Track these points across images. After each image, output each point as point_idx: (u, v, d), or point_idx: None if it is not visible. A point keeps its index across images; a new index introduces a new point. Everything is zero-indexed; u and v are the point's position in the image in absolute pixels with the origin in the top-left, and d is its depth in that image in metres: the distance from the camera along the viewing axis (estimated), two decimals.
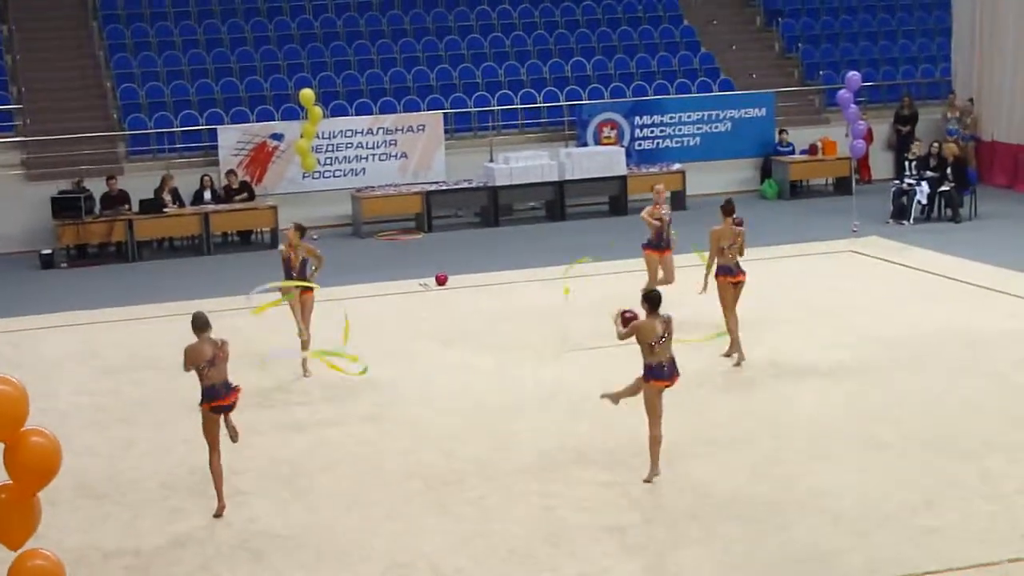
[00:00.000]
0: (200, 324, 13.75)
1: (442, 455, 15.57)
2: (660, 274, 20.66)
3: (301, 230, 19.23)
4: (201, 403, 13.70)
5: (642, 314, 14.13)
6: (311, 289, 19.13)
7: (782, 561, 12.49)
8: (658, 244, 20.71)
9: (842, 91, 27.14)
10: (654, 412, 14.09)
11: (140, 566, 12.86)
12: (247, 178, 28.40)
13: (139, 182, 27.97)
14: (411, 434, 16.33)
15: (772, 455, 14.48)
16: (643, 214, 20.79)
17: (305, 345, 18.84)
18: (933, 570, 12.07)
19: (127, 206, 27.41)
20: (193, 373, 13.69)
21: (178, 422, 16.56)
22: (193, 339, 13.72)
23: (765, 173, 31.67)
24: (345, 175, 29.38)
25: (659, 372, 13.95)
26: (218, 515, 13.71)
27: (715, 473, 14.44)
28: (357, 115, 30.02)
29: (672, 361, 14.06)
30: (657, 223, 20.56)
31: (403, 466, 15.27)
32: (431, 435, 16.26)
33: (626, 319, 14.30)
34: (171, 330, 20.58)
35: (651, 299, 14.12)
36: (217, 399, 13.62)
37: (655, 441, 14.13)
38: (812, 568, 12.36)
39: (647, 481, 14.12)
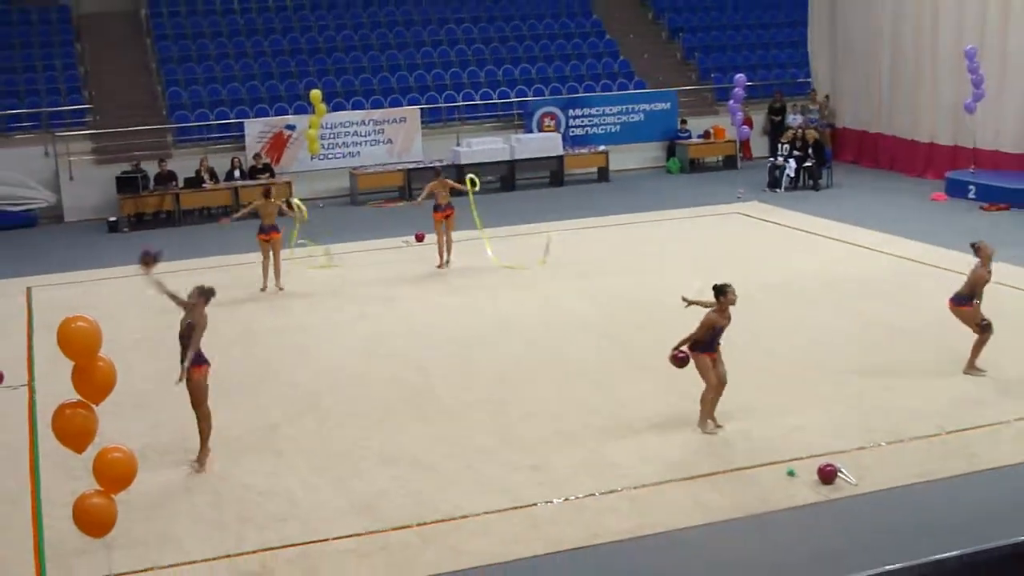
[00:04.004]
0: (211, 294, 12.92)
1: (420, 376, 15.54)
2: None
3: (267, 193, 20.52)
4: (203, 364, 12.80)
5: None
6: (278, 231, 20.15)
7: (687, 451, 12.56)
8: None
9: (736, 89, 27.15)
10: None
11: (187, 460, 12.83)
12: (268, 160, 28.25)
13: (183, 164, 27.75)
14: (395, 360, 16.27)
15: (682, 374, 13.65)
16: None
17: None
18: (799, 457, 12.14)
19: (174, 183, 27.22)
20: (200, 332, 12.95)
21: (215, 353, 16.42)
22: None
23: (670, 153, 31.62)
24: (343, 157, 29.18)
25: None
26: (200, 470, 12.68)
27: (638, 392, 14.44)
28: (353, 110, 29.81)
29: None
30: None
31: (390, 385, 15.23)
32: (411, 360, 16.21)
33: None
34: (210, 279, 20.43)
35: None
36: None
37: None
38: (708, 455, 12.43)
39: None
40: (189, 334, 12.71)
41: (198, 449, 12.78)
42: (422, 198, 21.98)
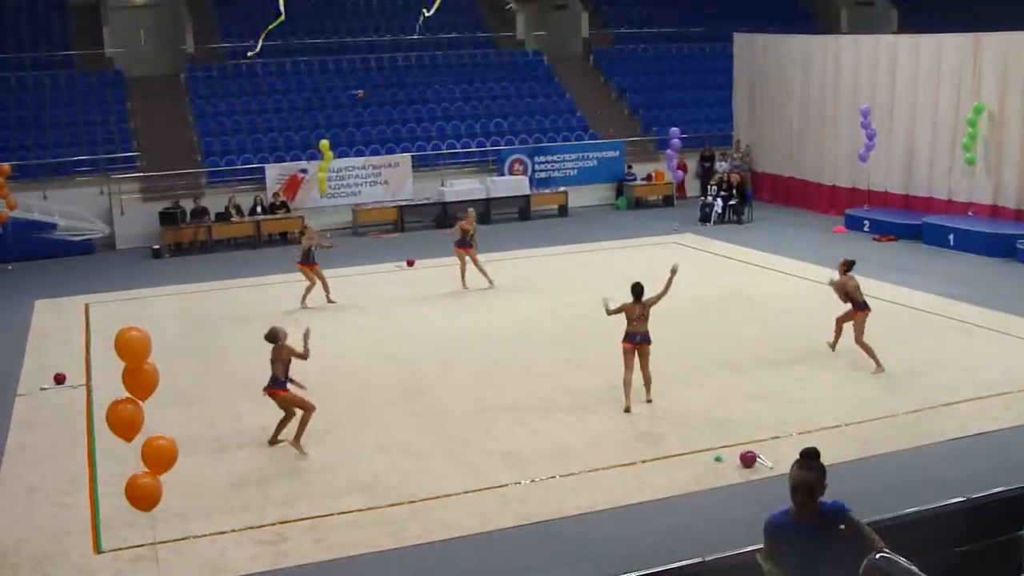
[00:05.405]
0: (271, 336, 12.69)
1: (409, 374, 15.55)
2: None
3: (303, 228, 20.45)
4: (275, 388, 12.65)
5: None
6: (316, 264, 19.73)
7: (631, 438, 12.59)
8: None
9: (673, 140, 27.22)
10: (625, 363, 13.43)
11: (218, 448, 12.80)
12: (284, 198, 28.18)
13: (215, 201, 27.65)
14: (390, 361, 16.27)
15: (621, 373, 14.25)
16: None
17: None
18: (725, 445, 12.21)
19: (207, 217, 27.12)
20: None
21: (240, 357, 16.43)
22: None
23: (618, 192, 31.67)
24: (347, 195, 29.10)
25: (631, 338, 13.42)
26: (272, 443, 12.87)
27: (589, 389, 14.47)
28: (355, 157, 29.77)
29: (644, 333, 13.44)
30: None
31: (386, 382, 15.24)
32: (403, 361, 16.21)
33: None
34: (236, 298, 20.45)
35: (633, 290, 13.59)
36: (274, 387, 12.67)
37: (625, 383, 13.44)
38: (649, 443, 12.46)
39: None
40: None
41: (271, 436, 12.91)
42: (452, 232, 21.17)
